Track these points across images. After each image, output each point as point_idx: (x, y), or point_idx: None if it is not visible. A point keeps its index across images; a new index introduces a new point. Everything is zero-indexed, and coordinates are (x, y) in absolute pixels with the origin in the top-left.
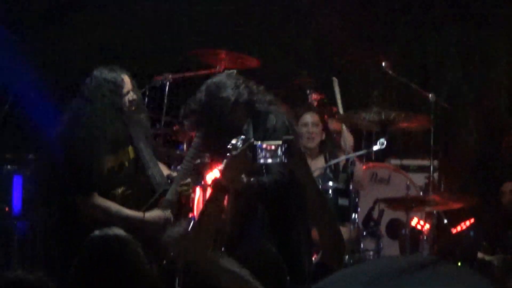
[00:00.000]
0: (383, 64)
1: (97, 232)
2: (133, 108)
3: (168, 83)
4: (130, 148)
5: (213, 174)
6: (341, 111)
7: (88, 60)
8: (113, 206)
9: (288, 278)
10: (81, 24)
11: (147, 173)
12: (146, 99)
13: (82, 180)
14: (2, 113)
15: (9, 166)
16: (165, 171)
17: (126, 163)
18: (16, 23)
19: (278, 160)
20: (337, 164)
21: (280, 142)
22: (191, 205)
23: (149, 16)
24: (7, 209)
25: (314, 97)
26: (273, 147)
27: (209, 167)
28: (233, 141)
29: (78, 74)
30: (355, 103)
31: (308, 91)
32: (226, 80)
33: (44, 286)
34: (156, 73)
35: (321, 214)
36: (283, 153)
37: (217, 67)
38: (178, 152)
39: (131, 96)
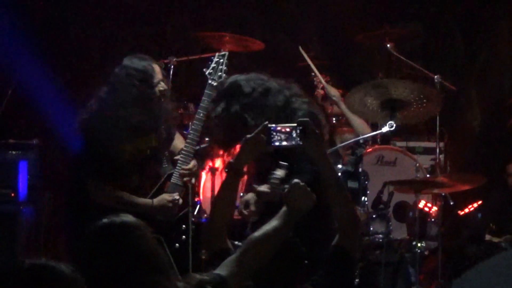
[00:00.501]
0: (388, 46)
1: (104, 220)
2: (162, 99)
3: (172, 66)
4: (153, 136)
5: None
6: (318, 75)
7: (91, 44)
8: (124, 195)
9: (305, 262)
10: (85, 8)
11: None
12: None
13: (97, 168)
14: (5, 99)
15: (13, 152)
16: (182, 145)
17: (148, 151)
18: (19, 6)
19: (294, 142)
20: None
21: (295, 125)
22: (196, 189)
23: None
24: (13, 194)
25: (317, 80)
26: (287, 129)
27: (215, 152)
28: (278, 173)
29: (81, 59)
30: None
31: (313, 74)
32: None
33: (76, 278)
34: (160, 56)
35: (337, 195)
36: (298, 135)
37: (221, 50)
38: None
39: (161, 86)
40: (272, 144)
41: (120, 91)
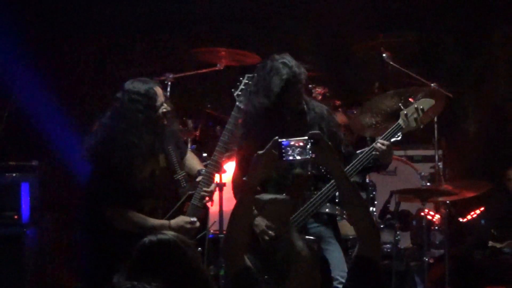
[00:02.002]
0: (384, 55)
1: (151, 237)
2: (166, 121)
3: (169, 83)
4: (161, 157)
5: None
6: None
7: (87, 62)
8: (141, 218)
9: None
10: (81, 25)
11: (175, 177)
12: None
13: (113, 195)
14: (3, 120)
15: (14, 174)
16: (199, 166)
17: (157, 172)
18: (17, 29)
19: (306, 156)
20: None
21: (306, 138)
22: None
23: (148, 17)
24: (16, 217)
25: (318, 91)
26: (299, 143)
27: (222, 167)
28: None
29: (77, 80)
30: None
31: (311, 86)
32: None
33: None
34: (157, 74)
35: (355, 205)
36: (310, 148)
37: (218, 65)
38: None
39: (165, 108)
40: (285, 158)
41: (126, 116)
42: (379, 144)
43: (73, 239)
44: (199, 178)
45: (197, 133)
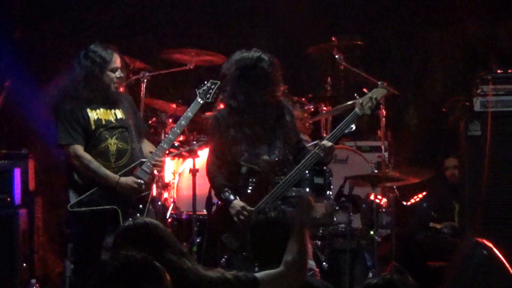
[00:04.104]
0: (336, 56)
1: (130, 222)
2: (120, 85)
3: (145, 81)
4: (117, 111)
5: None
6: None
7: (66, 59)
8: (94, 162)
9: None
10: (61, 28)
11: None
12: None
13: (65, 134)
14: None
15: (6, 161)
16: (151, 148)
17: (113, 120)
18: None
19: None
20: None
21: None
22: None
23: (124, 21)
24: (9, 199)
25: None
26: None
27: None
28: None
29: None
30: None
31: None
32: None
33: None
34: (133, 72)
35: (294, 262)
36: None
37: (188, 64)
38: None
39: (118, 73)
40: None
41: (77, 70)
42: (324, 142)
43: (60, 219)
44: (153, 150)
45: (170, 125)
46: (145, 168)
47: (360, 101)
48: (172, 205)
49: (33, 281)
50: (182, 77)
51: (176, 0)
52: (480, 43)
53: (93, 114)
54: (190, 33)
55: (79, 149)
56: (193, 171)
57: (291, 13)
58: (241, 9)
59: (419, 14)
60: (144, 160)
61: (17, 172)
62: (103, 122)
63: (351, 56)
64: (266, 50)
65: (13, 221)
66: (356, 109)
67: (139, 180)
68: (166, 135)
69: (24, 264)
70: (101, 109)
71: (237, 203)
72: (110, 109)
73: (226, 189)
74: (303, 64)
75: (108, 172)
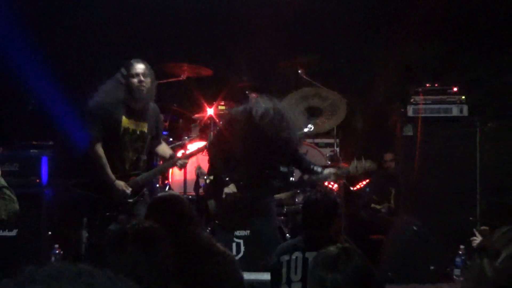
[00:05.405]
0: (299, 71)
1: (160, 194)
2: (143, 90)
3: None
4: (144, 124)
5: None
6: None
7: (82, 70)
8: (102, 161)
9: None
10: (76, 44)
11: (142, 157)
12: None
13: (96, 131)
14: (28, 112)
15: (36, 150)
16: (169, 150)
17: (138, 132)
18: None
19: None
20: None
21: None
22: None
23: (126, 39)
24: (38, 180)
25: (253, 96)
26: None
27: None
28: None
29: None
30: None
31: (247, 92)
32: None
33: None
34: None
35: None
36: None
37: (181, 76)
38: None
39: (138, 79)
40: None
41: (113, 77)
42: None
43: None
44: (167, 150)
45: (167, 124)
46: (138, 179)
47: (356, 164)
48: (167, 187)
49: (56, 245)
50: (177, 86)
51: (172, 20)
52: (413, 62)
53: (125, 121)
54: (183, 48)
55: (99, 146)
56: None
57: (265, 35)
58: (224, 33)
59: (365, 37)
60: (139, 172)
61: (44, 159)
62: (130, 131)
63: (310, 71)
64: (246, 65)
65: (41, 197)
66: (350, 168)
67: (128, 188)
68: (157, 167)
69: (50, 232)
70: (132, 120)
71: (231, 187)
72: (139, 121)
73: None
74: (274, 76)
75: (109, 172)
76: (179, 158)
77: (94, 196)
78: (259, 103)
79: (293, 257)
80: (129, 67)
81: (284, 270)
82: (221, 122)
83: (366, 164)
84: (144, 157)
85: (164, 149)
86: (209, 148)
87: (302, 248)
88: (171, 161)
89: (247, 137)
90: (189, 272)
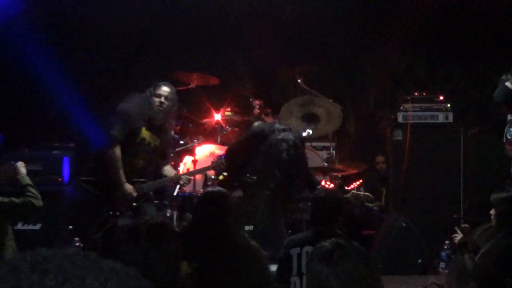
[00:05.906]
0: (299, 80)
1: (209, 189)
2: (162, 111)
3: None
4: (157, 139)
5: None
6: None
7: (101, 80)
8: (119, 163)
9: None
10: (97, 56)
11: (148, 167)
12: None
13: (119, 132)
14: (51, 116)
15: (59, 151)
16: (172, 171)
17: (152, 145)
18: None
19: None
20: None
21: None
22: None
23: (141, 50)
24: (60, 179)
25: (257, 102)
26: None
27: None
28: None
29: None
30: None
31: (251, 99)
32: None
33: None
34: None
35: None
36: None
37: (190, 84)
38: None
39: (159, 100)
40: None
41: (138, 95)
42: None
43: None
44: (169, 172)
45: (178, 128)
46: (144, 186)
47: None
48: (178, 185)
49: (76, 239)
50: (187, 93)
51: (183, 33)
52: (402, 72)
53: (144, 132)
54: (193, 58)
55: (118, 148)
56: (194, 161)
57: (267, 46)
58: (230, 47)
59: (357, 48)
60: (146, 181)
61: (66, 160)
62: (146, 142)
63: (308, 79)
64: (250, 74)
65: (62, 195)
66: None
67: (135, 193)
68: (162, 179)
69: (70, 226)
70: (150, 133)
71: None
72: (154, 135)
73: None
74: (275, 84)
75: (122, 174)
76: (183, 174)
77: (97, 194)
78: (287, 135)
79: (304, 250)
80: (156, 87)
81: (294, 262)
82: (244, 134)
83: (367, 196)
84: (151, 169)
85: (169, 169)
86: (227, 151)
87: (313, 242)
88: (176, 176)
89: (268, 163)
90: (223, 266)
